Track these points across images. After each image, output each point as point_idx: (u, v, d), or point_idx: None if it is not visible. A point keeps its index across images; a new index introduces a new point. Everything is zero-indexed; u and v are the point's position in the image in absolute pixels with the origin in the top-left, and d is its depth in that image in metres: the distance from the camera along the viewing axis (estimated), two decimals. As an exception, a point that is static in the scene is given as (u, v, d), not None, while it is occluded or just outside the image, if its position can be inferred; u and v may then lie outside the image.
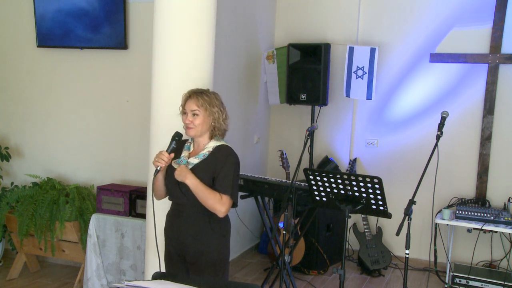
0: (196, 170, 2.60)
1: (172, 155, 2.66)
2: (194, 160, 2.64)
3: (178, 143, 2.69)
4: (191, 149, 2.73)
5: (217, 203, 2.55)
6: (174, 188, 2.67)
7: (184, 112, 2.66)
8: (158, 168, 2.63)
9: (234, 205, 2.66)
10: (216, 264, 2.67)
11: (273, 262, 4.57)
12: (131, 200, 4.03)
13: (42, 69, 4.82)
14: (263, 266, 5.00)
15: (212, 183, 2.60)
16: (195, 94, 2.63)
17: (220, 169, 2.59)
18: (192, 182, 2.55)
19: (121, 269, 4.04)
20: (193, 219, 2.64)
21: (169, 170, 2.70)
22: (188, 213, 2.65)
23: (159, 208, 2.92)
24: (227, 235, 2.73)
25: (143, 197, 3.88)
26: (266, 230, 4.38)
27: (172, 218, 2.75)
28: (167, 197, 2.80)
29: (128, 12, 4.44)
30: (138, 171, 4.46)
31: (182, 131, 2.73)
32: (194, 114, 2.61)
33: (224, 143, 2.69)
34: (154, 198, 2.76)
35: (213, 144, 2.66)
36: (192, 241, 2.64)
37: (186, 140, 2.79)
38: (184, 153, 2.71)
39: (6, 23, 4.91)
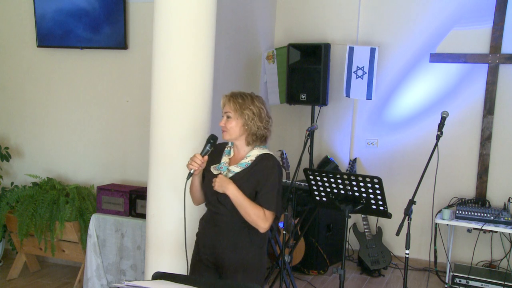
0: (237, 179, 2.48)
1: (206, 158, 2.56)
2: (236, 169, 2.51)
3: (213, 146, 2.58)
4: (232, 154, 2.61)
5: (260, 219, 2.43)
6: (212, 196, 2.55)
7: (223, 116, 2.56)
8: (192, 171, 2.53)
9: (277, 218, 2.56)
10: (253, 276, 2.55)
11: (273, 262, 4.57)
12: (131, 200, 4.03)
13: (42, 69, 4.82)
14: (263, 266, 5.00)
15: (254, 195, 2.48)
16: (229, 97, 2.54)
17: (264, 182, 2.46)
18: (234, 194, 2.43)
19: (121, 269, 4.04)
20: (232, 230, 2.52)
21: (207, 176, 2.59)
22: (226, 224, 2.53)
23: (159, 208, 2.91)
24: (264, 246, 2.63)
25: (143, 197, 3.88)
26: (266, 230, 4.38)
27: (207, 225, 2.62)
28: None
29: (128, 12, 4.44)
30: (138, 171, 4.46)
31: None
32: (228, 117, 2.52)
33: (267, 152, 2.57)
34: (192, 202, 2.67)
35: (256, 152, 2.54)
36: (230, 253, 2.53)
37: (226, 144, 2.67)
38: (224, 159, 2.59)
39: (6, 23, 4.91)
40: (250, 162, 2.52)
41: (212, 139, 2.59)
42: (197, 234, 2.70)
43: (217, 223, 2.56)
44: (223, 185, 2.45)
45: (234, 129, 2.51)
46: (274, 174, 2.49)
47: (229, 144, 2.65)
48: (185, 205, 2.61)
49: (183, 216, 2.61)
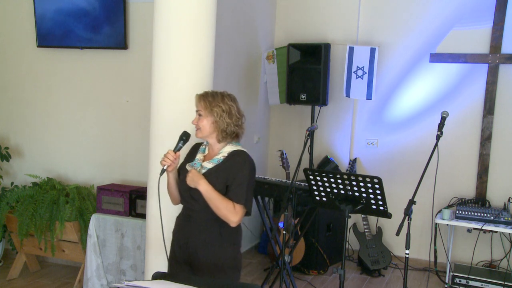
0: (209, 175, 2.53)
1: (179, 154, 2.61)
2: (208, 165, 2.57)
3: (185, 142, 2.64)
4: (206, 152, 2.66)
5: (230, 212, 2.48)
6: (185, 192, 2.61)
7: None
8: (165, 168, 2.57)
9: (248, 214, 2.59)
10: (226, 274, 2.58)
11: (273, 262, 4.57)
12: (131, 200, 4.03)
13: (42, 69, 4.82)
14: (263, 266, 5.00)
15: (225, 190, 2.52)
16: (200, 95, 2.60)
17: (234, 176, 2.51)
18: (205, 189, 2.48)
19: (121, 269, 4.04)
20: (203, 226, 2.57)
21: (182, 173, 2.64)
22: (198, 220, 2.58)
23: (157, 206, 2.91)
24: (237, 244, 2.66)
25: (143, 197, 3.88)
26: (266, 230, 4.38)
27: (181, 222, 2.68)
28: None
29: (128, 12, 4.44)
30: (138, 171, 4.46)
31: (181, 132, 2.70)
32: (199, 115, 2.58)
33: (240, 148, 2.62)
34: (172, 202, 2.69)
35: (228, 148, 2.59)
36: (201, 249, 2.57)
37: (201, 143, 2.72)
38: (199, 156, 2.65)
39: (6, 23, 4.91)
40: (222, 158, 2.58)
41: (184, 136, 2.65)
42: (172, 232, 2.75)
43: (190, 219, 2.62)
44: (195, 179, 2.50)
45: (205, 127, 2.57)
46: (244, 169, 2.54)
47: (205, 143, 2.71)
48: (160, 201, 2.64)
49: (159, 213, 2.65)
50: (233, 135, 2.63)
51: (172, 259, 2.71)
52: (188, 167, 2.61)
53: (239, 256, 2.67)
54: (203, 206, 2.54)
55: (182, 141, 2.64)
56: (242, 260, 2.71)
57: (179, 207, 2.78)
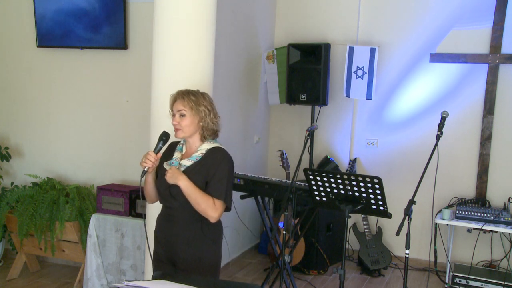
0: (188, 172, 2.53)
1: (160, 155, 2.60)
2: (187, 162, 2.57)
3: (165, 143, 2.63)
4: (184, 150, 2.66)
5: (209, 208, 2.48)
6: (164, 191, 2.60)
7: (172, 114, 2.60)
8: (146, 169, 2.56)
9: (227, 209, 2.59)
10: (207, 271, 2.59)
11: (273, 262, 4.57)
12: (131, 200, 4.03)
13: (42, 69, 4.82)
14: (263, 266, 5.00)
15: (204, 187, 2.53)
16: (181, 94, 2.57)
17: (213, 172, 2.52)
18: (185, 184, 2.47)
19: (121, 269, 4.04)
20: (185, 224, 2.57)
21: (160, 172, 2.63)
22: (179, 218, 2.58)
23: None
24: (218, 241, 2.66)
25: (143, 197, 3.87)
26: (266, 230, 4.38)
27: (162, 222, 2.67)
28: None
29: (128, 12, 4.44)
30: (138, 171, 4.39)
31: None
32: (181, 115, 2.55)
33: (218, 145, 2.63)
34: (147, 201, 2.71)
35: (206, 146, 2.59)
36: (184, 247, 2.57)
37: (178, 142, 2.71)
38: (176, 155, 2.64)
39: (6, 23, 4.91)
40: (200, 155, 2.57)
41: (164, 136, 2.63)
42: (154, 232, 2.74)
43: (170, 218, 2.61)
44: (174, 176, 2.49)
45: (189, 127, 2.56)
46: (223, 165, 2.54)
47: (181, 142, 2.70)
48: (146, 204, 2.63)
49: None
50: (215, 133, 2.65)
51: (156, 260, 2.70)
52: (166, 166, 2.60)
53: (218, 253, 2.68)
54: (182, 203, 2.54)
55: (162, 142, 2.62)
56: (221, 258, 2.73)
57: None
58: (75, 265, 4.64)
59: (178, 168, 2.56)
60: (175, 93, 2.61)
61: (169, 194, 2.58)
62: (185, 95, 2.56)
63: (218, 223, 2.63)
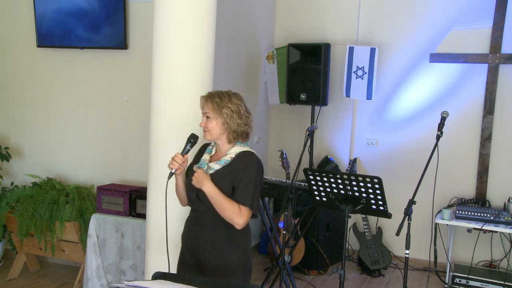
0: (215, 176, 2.48)
1: (187, 156, 2.55)
2: (215, 166, 2.52)
3: (193, 145, 2.58)
4: (213, 152, 2.62)
5: (235, 214, 2.41)
6: (191, 193, 2.56)
7: (202, 116, 2.57)
8: (173, 171, 2.51)
9: (254, 216, 2.50)
10: (234, 276, 2.52)
11: (273, 262, 4.57)
12: (131, 200, 4.03)
13: (42, 69, 4.82)
14: (263, 266, 5.00)
15: (232, 192, 2.47)
16: (207, 97, 2.53)
17: (241, 177, 2.45)
18: (209, 189, 2.42)
19: (121, 269, 4.04)
20: (211, 228, 2.52)
21: (190, 174, 2.58)
22: (206, 222, 2.53)
23: (159, 208, 2.91)
24: (246, 246, 2.59)
25: (143, 197, 3.88)
26: (266, 230, 4.38)
27: (189, 225, 2.63)
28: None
29: (128, 12, 4.44)
30: (138, 171, 4.46)
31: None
32: (207, 117, 2.51)
33: (248, 149, 2.56)
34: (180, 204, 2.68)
35: (236, 149, 2.53)
36: (210, 252, 2.52)
37: (209, 144, 2.67)
38: (205, 156, 2.60)
39: (6, 23, 4.91)
40: (229, 159, 2.52)
41: (192, 138, 2.59)
42: (181, 236, 2.70)
43: (197, 221, 2.57)
44: (199, 180, 2.44)
45: (215, 129, 2.51)
46: (251, 170, 2.47)
47: (212, 143, 2.66)
48: (166, 205, 2.57)
49: (165, 216, 2.58)
50: (244, 135, 2.57)
51: (182, 263, 2.66)
52: (195, 168, 2.56)
53: (248, 258, 2.61)
54: (210, 207, 2.48)
55: (190, 144, 2.57)
56: (252, 262, 2.65)
57: (184, 209, 2.75)
58: (75, 265, 4.64)
59: (206, 171, 2.52)
60: (203, 96, 2.57)
61: (196, 198, 2.53)
62: (209, 98, 2.52)
63: (246, 228, 2.56)
